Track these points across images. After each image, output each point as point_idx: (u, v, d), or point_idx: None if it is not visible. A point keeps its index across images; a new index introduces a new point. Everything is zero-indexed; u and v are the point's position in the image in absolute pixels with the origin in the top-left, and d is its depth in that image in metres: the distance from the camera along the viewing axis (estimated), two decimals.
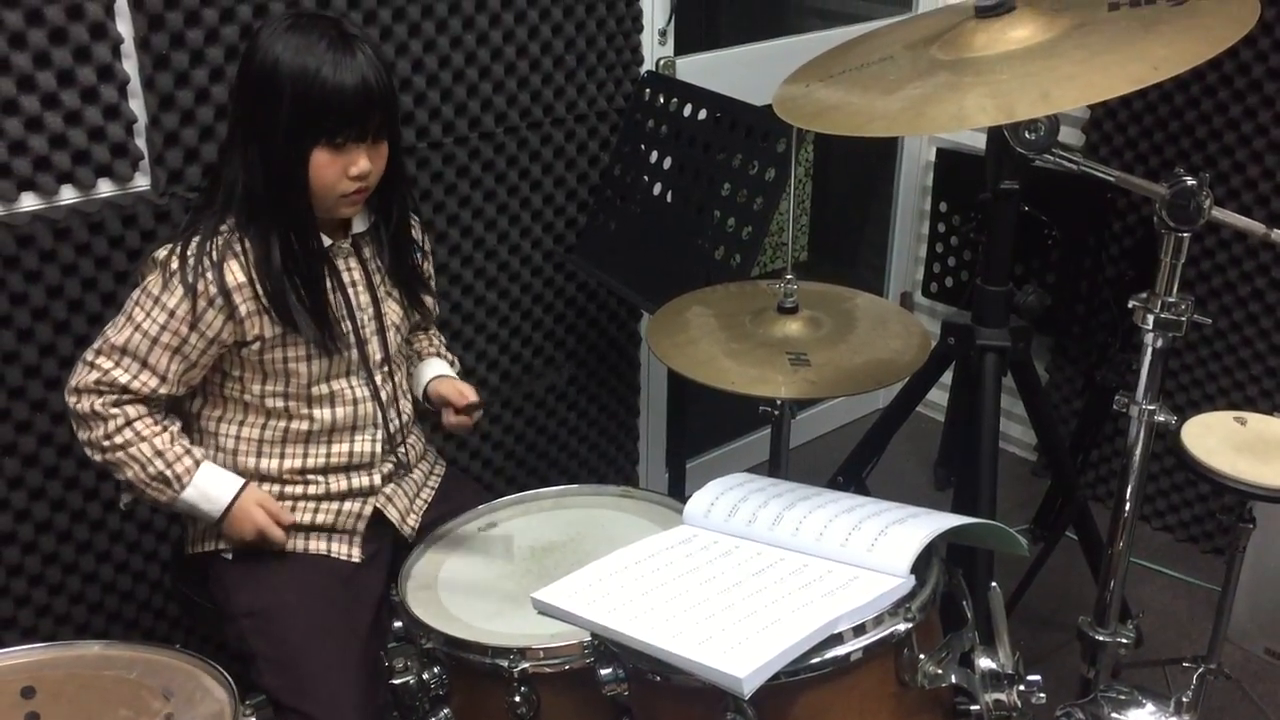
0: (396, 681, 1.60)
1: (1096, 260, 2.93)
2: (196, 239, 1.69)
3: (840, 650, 1.28)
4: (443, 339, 2.10)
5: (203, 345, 1.70)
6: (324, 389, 1.80)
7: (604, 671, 1.38)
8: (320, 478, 1.83)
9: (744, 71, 2.78)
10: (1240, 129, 2.64)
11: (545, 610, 1.39)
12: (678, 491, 2.62)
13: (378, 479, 1.87)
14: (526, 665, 1.55)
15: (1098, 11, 1.49)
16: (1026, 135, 1.47)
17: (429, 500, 1.98)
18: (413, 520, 1.93)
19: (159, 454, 1.71)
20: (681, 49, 2.74)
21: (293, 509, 1.81)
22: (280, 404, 1.79)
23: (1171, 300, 1.49)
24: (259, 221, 1.69)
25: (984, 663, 1.37)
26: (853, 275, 3.63)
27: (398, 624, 1.66)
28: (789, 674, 1.25)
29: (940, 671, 1.33)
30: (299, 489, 1.82)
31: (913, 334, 1.98)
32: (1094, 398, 2.97)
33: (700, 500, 1.54)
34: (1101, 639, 1.72)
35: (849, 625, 1.28)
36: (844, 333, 1.96)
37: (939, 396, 3.26)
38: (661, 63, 2.69)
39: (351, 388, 1.82)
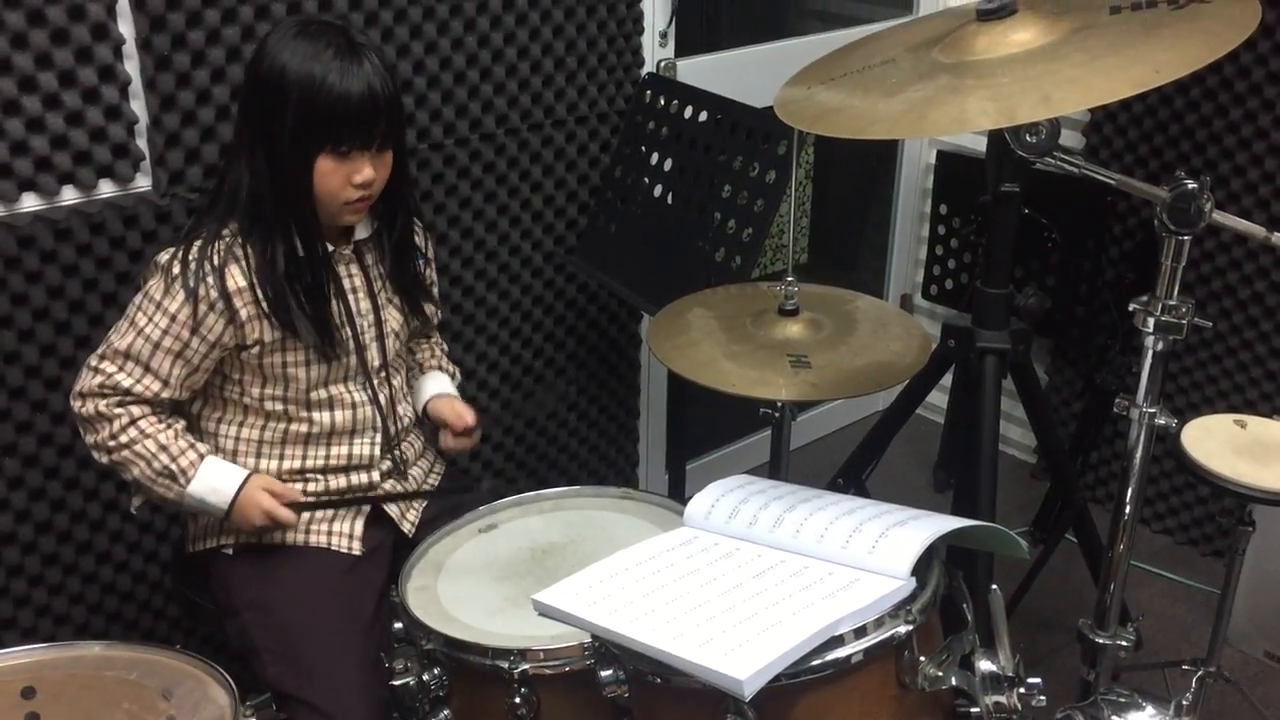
0: (396, 683, 1.59)
1: (1096, 263, 2.94)
2: (198, 243, 1.70)
3: (841, 652, 1.28)
4: (444, 347, 2.10)
5: (204, 349, 1.71)
6: (323, 393, 1.80)
7: (604, 673, 1.38)
8: (319, 476, 1.84)
9: (744, 74, 2.78)
10: (1241, 132, 2.64)
11: (546, 612, 1.39)
12: (677, 493, 2.62)
13: (376, 476, 1.88)
14: (527, 666, 1.54)
15: (1099, 15, 1.49)
16: (1028, 138, 1.47)
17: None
18: (412, 516, 1.93)
19: (163, 448, 1.71)
20: (682, 51, 2.74)
21: None
22: (279, 407, 1.79)
23: (1172, 303, 1.49)
24: (262, 227, 1.69)
25: (984, 665, 1.37)
26: (853, 277, 3.63)
27: (398, 625, 1.66)
28: (789, 676, 1.25)
29: (941, 674, 1.33)
30: (298, 487, 1.82)
31: (913, 336, 1.98)
32: (1094, 400, 2.97)
33: (701, 502, 1.54)
34: (1101, 641, 1.72)
35: (850, 627, 1.29)
36: (845, 335, 1.96)
37: (939, 399, 3.26)
38: (662, 64, 2.69)
39: (350, 392, 1.83)
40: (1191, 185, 1.41)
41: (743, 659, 1.21)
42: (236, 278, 1.69)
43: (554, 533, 1.87)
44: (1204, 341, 2.83)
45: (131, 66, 1.98)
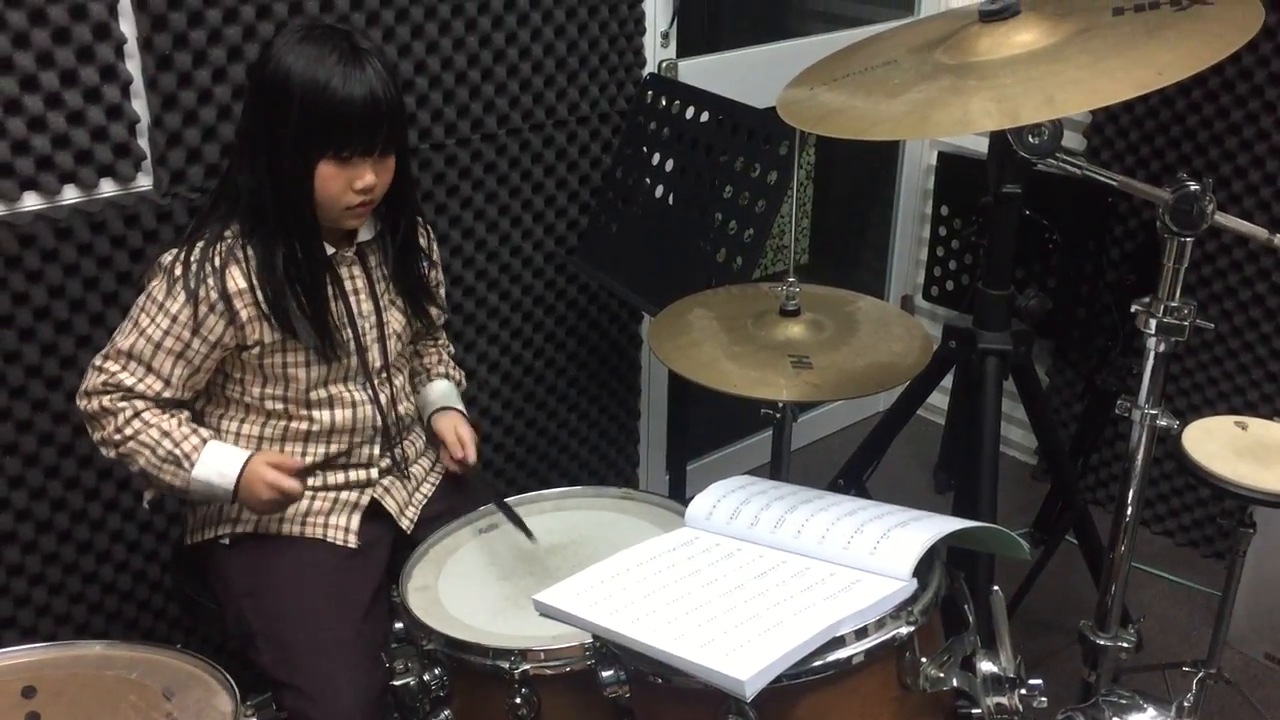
0: (397, 683, 1.60)
1: (1097, 264, 2.93)
2: (200, 244, 1.70)
3: (842, 653, 1.28)
4: (451, 350, 2.10)
5: (205, 350, 1.72)
6: (323, 393, 1.81)
7: (605, 673, 1.38)
8: (319, 472, 1.85)
9: (746, 74, 2.78)
10: (1242, 134, 2.64)
11: (547, 612, 1.39)
12: (678, 494, 2.62)
13: (375, 473, 1.89)
14: (527, 667, 1.55)
15: (1102, 16, 1.49)
16: (1030, 139, 1.47)
17: (429, 495, 1.98)
18: (411, 513, 1.94)
19: (167, 434, 1.71)
20: (684, 51, 2.74)
21: None
22: (280, 406, 1.80)
23: (1174, 305, 1.49)
24: (264, 229, 1.70)
25: (985, 666, 1.37)
26: (854, 278, 3.63)
27: (399, 625, 1.66)
28: (791, 677, 1.25)
29: (942, 675, 1.33)
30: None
31: (914, 337, 1.98)
32: (1094, 402, 2.97)
33: (702, 503, 1.54)
34: (1102, 643, 1.72)
35: (851, 628, 1.29)
36: (846, 336, 1.96)
37: (940, 400, 3.26)
38: (664, 65, 2.69)
39: (350, 392, 1.83)
40: (1194, 187, 1.41)
41: (744, 659, 1.21)
42: (237, 279, 1.70)
43: (555, 533, 1.87)
44: (1205, 343, 2.83)
45: (133, 66, 1.98)
